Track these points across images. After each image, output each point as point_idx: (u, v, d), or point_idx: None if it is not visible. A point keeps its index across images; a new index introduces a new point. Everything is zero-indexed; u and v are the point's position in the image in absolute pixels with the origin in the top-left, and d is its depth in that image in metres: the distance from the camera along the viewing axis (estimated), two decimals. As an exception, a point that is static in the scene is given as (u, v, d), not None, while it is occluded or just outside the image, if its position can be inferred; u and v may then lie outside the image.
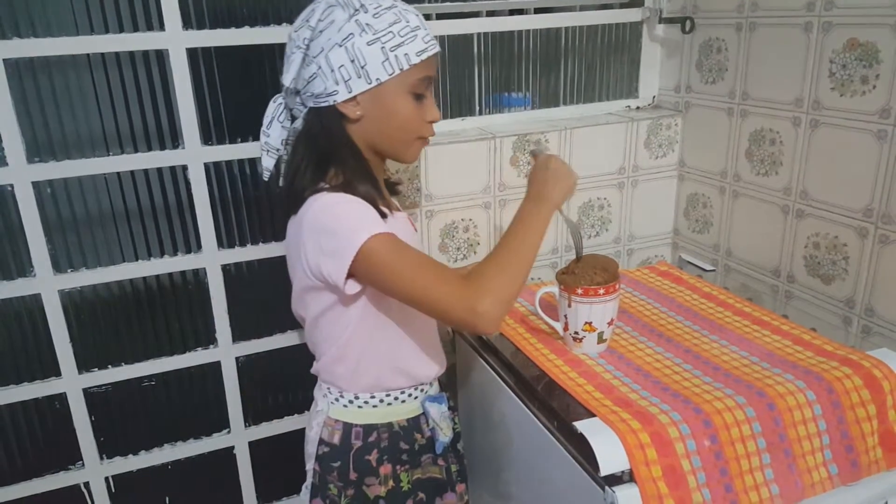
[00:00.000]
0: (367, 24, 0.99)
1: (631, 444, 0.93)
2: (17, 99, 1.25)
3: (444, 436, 1.18)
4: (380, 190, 1.08)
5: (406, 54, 1.00)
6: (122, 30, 1.29)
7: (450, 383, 1.60)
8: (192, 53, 1.34)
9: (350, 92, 1.00)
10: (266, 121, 1.09)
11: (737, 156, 1.50)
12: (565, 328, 1.19)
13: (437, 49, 1.04)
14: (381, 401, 1.14)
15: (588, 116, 1.65)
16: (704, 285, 1.42)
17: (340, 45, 0.99)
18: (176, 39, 1.31)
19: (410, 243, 1.11)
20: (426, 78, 1.03)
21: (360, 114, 1.03)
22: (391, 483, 1.14)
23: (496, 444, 1.30)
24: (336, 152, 1.05)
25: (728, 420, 0.98)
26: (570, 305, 1.15)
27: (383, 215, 1.02)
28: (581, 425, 0.98)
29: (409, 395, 1.15)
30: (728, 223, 1.55)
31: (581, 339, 1.17)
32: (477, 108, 1.60)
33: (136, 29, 1.29)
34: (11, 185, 1.28)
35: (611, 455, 0.93)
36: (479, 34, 1.54)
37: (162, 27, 1.30)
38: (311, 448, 1.17)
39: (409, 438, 1.17)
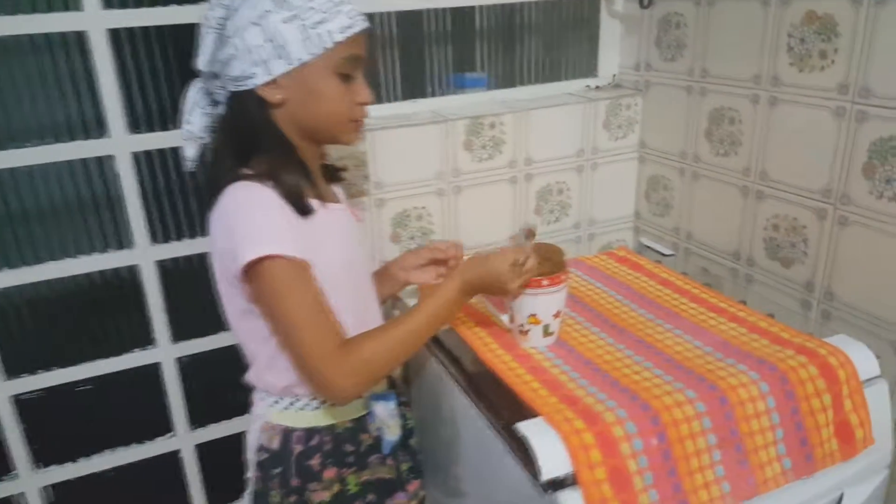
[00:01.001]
0: (285, 2, 0.93)
1: (574, 446, 0.90)
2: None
3: (392, 435, 1.15)
4: (311, 179, 1.04)
5: (329, 31, 0.94)
6: (34, 10, 1.22)
7: (402, 375, 1.57)
8: (115, 34, 1.28)
9: (269, 74, 0.95)
10: (186, 108, 1.04)
11: (696, 136, 1.47)
12: (511, 321, 1.16)
13: (365, 25, 0.98)
14: (322, 402, 1.10)
15: (546, 97, 1.60)
16: (662, 271, 1.40)
17: (256, 24, 0.94)
18: (96, 19, 1.24)
19: (348, 238, 1.08)
20: (353, 57, 0.97)
21: (283, 97, 0.98)
22: (337, 487, 1.10)
23: (447, 441, 1.27)
24: (258, 140, 1.00)
25: (677, 416, 0.96)
26: (514, 297, 1.12)
27: (307, 211, 0.97)
28: (523, 427, 0.95)
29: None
30: (688, 206, 1.53)
31: (527, 332, 1.14)
32: (429, 89, 1.55)
33: (50, 9, 1.23)
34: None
35: (553, 458, 0.90)
36: (430, 10, 1.49)
37: (79, 6, 1.23)
38: (250, 455, 1.13)
39: (355, 440, 1.13)
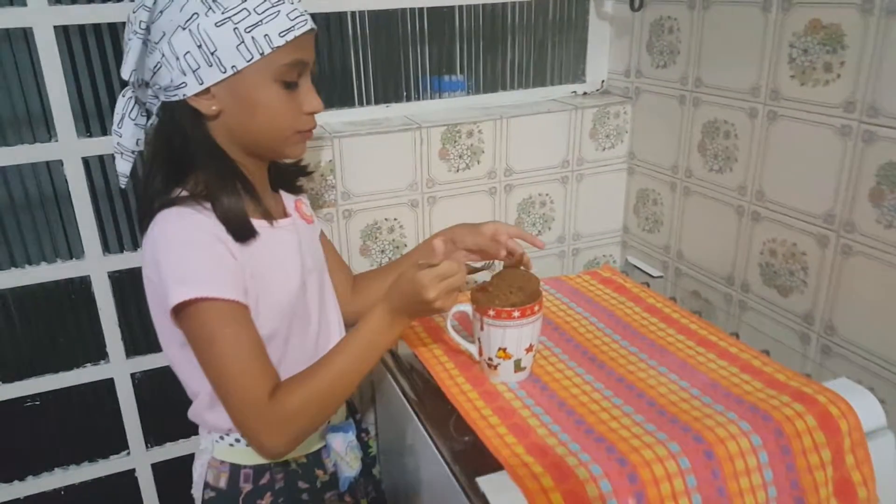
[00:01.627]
0: (215, 1, 0.80)
1: (539, 509, 0.78)
2: None
3: (351, 469, 1.03)
4: (256, 196, 0.91)
5: (266, 35, 0.82)
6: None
7: (371, 395, 1.44)
8: (63, 32, 1.15)
9: (201, 83, 0.83)
10: (116, 119, 0.91)
11: (689, 149, 1.33)
12: (480, 353, 1.03)
13: (308, 27, 0.86)
14: None
15: (529, 104, 1.47)
16: (649, 295, 1.26)
17: (184, 28, 0.81)
18: (41, 15, 1.11)
19: (298, 256, 0.95)
20: (296, 62, 0.85)
21: (217, 108, 0.85)
22: None
23: (409, 477, 1.14)
24: (193, 155, 0.87)
25: (658, 473, 0.83)
26: (482, 328, 0.99)
27: (247, 237, 0.86)
28: (484, 482, 0.82)
29: None
30: (679, 223, 1.39)
31: (496, 367, 1.01)
32: (405, 93, 1.41)
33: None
34: None
35: (515, 521, 0.78)
36: (408, 9, 1.35)
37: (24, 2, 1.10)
38: (196, 492, 1.00)
39: (310, 476, 1.01)
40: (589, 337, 1.14)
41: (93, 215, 1.25)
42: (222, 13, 0.81)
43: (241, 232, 0.86)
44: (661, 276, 1.38)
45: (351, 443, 1.04)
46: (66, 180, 1.22)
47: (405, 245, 1.38)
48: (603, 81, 1.54)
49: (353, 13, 1.31)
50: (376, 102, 1.39)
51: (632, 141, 1.49)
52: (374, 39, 1.34)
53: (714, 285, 1.32)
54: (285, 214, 0.99)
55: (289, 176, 1.05)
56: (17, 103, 1.22)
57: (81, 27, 1.20)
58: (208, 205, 0.85)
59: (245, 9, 0.81)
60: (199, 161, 0.86)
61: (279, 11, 0.83)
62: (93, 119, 1.25)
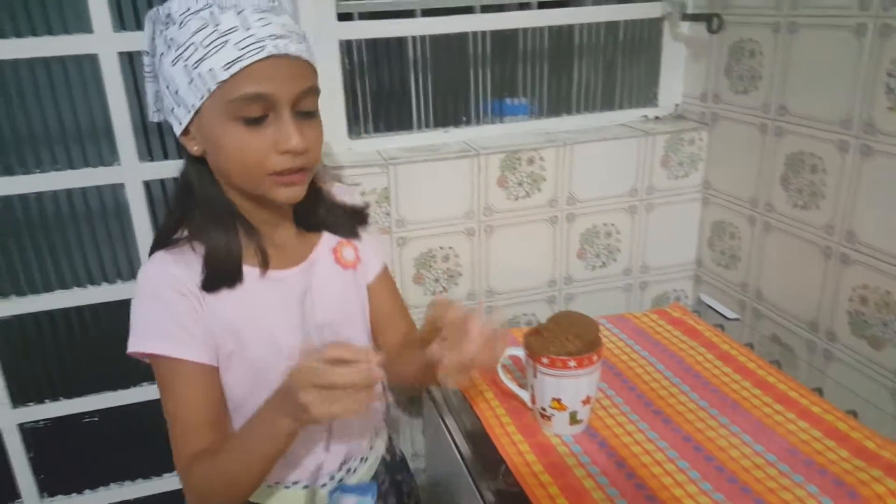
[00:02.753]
0: (171, 39, 0.76)
1: (588, 591, 0.70)
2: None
3: None
4: (257, 239, 0.85)
5: (210, 70, 0.73)
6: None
7: (421, 434, 1.38)
8: (127, 58, 1.15)
9: (180, 124, 0.79)
10: None
11: (770, 182, 1.22)
12: (533, 400, 0.95)
13: (260, 55, 0.73)
14: (277, 484, 0.91)
15: (595, 128, 1.38)
16: (723, 341, 1.16)
17: (161, 69, 0.78)
18: (106, 43, 1.11)
19: (288, 313, 0.87)
20: (250, 96, 0.74)
21: (199, 149, 0.80)
22: None
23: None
24: (183, 196, 0.84)
25: (725, 554, 0.74)
26: (535, 376, 0.92)
27: (223, 283, 0.82)
28: (530, 552, 0.75)
29: (295, 482, 0.92)
30: (758, 260, 1.27)
31: (550, 418, 0.93)
32: (464, 118, 1.35)
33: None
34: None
35: None
36: (470, 33, 1.29)
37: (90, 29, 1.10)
38: None
39: None
40: (654, 386, 1.04)
41: (152, 235, 1.24)
42: (175, 50, 0.75)
43: (217, 277, 0.82)
44: (737, 319, 1.27)
45: None
46: (127, 202, 1.22)
47: (460, 274, 1.32)
48: (677, 105, 1.43)
49: (413, 38, 1.26)
50: (435, 126, 1.33)
51: (707, 169, 1.38)
52: (434, 62, 1.29)
53: (796, 330, 1.20)
54: (301, 260, 0.90)
55: (336, 217, 0.95)
56: (83, 127, 1.23)
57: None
58: (197, 245, 0.82)
59: (192, 43, 0.74)
60: (197, 198, 0.83)
61: (226, 41, 0.73)
62: (154, 142, 1.25)
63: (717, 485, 0.83)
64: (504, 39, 1.31)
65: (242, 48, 0.73)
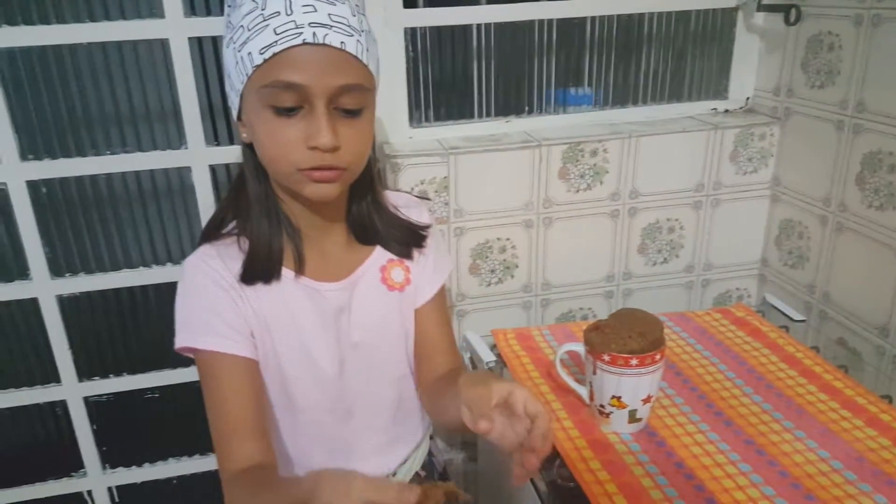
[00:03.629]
0: (230, 21, 0.76)
1: (646, 589, 0.71)
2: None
3: None
4: (296, 240, 0.85)
5: (249, 53, 0.72)
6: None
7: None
8: (196, 43, 1.19)
9: (234, 109, 0.79)
10: None
11: (845, 180, 1.19)
12: (591, 397, 0.97)
13: (295, 42, 0.70)
14: None
15: (662, 121, 1.37)
16: (788, 343, 1.14)
17: (221, 52, 0.80)
18: (177, 28, 1.15)
19: (315, 325, 0.87)
20: (279, 84, 0.72)
21: (246, 137, 0.80)
22: None
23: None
24: (236, 186, 0.86)
25: (788, 562, 0.74)
26: (595, 372, 0.93)
27: (254, 278, 0.82)
28: (587, 548, 0.76)
29: None
30: (828, 261, 1.25)
31: (608, 415, 0.94)
32: (527, 107, 1.36)
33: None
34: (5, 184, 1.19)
35: None
36: (536, 21, 1.30)
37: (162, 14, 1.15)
38: None
39: None
40: (716, 387, 1.04)
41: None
42: (230, 32, 0.75)
43: (255, 271, 0.82)
44: (803, 321, 1.25)
45: None
46: (193, 185, 1.27)
47: (516, 266, 1.34)
48: (748, 99, 1.41)
49: (477, 25, 1.27)
50: (496, 115, 1.35)
51: (778, 166, 1.36)
52: (498, 51, 1.30)
53: (865, 335, 1.18)
54: (345, 275, 0.89)
55: (393, 233, 0.92)
56: (151, 110, 1.28)
57: (214, 38, 1.24)
58: (247, 243, 0.83)
59: (241, 26, 0.73)
60: (248, 192, 0.83)
61: (268, 25, 0.71)
62: (221, 126, 1.29)
63: (780, 490, 0.83)
64: (570, 28, 1.31)
65: (279, 33, 0.70)
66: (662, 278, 1.41)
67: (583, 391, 0.99)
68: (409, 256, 0.93)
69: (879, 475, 0.85)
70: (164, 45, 1.18)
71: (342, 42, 0.72)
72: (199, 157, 1.25)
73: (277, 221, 0.83)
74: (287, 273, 0.85)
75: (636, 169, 1.31)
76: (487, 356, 1.17)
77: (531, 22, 1.29)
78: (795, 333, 1.21)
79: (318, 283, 0.87)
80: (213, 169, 1.27)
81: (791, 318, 1.25)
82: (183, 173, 1.29)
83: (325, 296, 0.87)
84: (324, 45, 0.71)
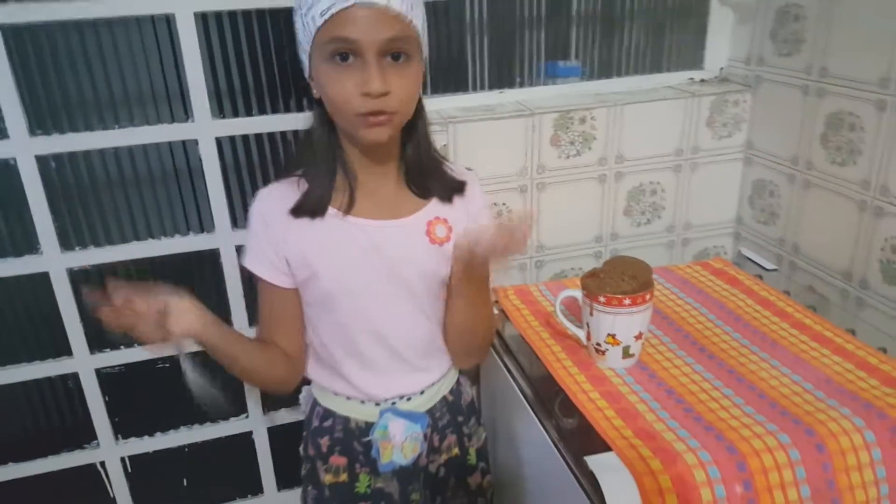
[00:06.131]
0: None
1: (648, 490, 0.85)
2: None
3: (404, 458, 1.09)
4: (349, 184, 1.02)
5: (313, 17, 0.90)
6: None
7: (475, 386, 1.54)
8: (202, 18, 1.28)
9: (306, 69, 0.97)
10: None
11: (811, 141, 1.35)
12: (588, 337, 1.11)
13: (348, 3, 0.86)
14: (336, 394, 1.12)
15: (644, 90, 1.52)
16: (762, 289, 1.30)
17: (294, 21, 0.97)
18: (183, 2, 1.25)
19: (359, 259, 1.02)
20: (337, 39, 0.88)
21: (316, 92, 0.98)
22: (344, 477, 1.11)
23: (516, 460, 1.24)
24: (305, 136, 1.05)
25: (767, 463, 0.89)
26: (591, 314, 1.07)
27: (306, 213, 1.01)
28: (593, 461, 0.90)
29: (362, 402, 1.10)
30: (797, 216, 1.41)
31: (604, 352, 1.09)
32: (518, 79, 1.49)
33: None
34: (14, 159, 1.27)
35: (624, 500, 0.86)
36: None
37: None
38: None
39: (366, 443, 1.11)
40: (699, 328, 1.19)
41: (223, 192, 1.39)
42: (297, 4, 0.93)
43: (302, 206, 1.01)
44: (775, 269, 1.41)
45: (413, 435, 1.09)
46: (200, 158, 1.37)
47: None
48: (722, 69, 1.56)
49: (471, 1, 1.39)
50: (490, 88, 1.47)
51: (750, 130, 1.51)
52: (490, 25, 1.42)
53: (831, 281, 1.34)
54: (394, 217, 1.03)
55: (443, 184, 1.07)
56: (157, 84, 1.36)
57: (218, 14, 1.33)
58: (305, 184, 1.02)
59: None
60: (313, 140, 1.02)
61: None
62: (226, 101, 1.39)
63: (759, 408, 0.98)
64: (558, 3, 1.44)
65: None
66: (646, 238, 1.56)
67: (580, 333, 1.13)
68: (449, 200, 1.07)
69: (844, 392, 1.01)
70: (169, 19, 1.27)
71: (387, 2, 0.87)
72: (206, 130, 1.34)
73: (336, 165, 1.01)
74: (335, 212, 1.02)
75: (622, 135, 1.45)
76: (490, 310, 1.30)
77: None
78: (768, 282, 1.36)
79: (364, 220, 1.02)
80: (219, 141, 1.36)
81: (764, 268, 1.41)
82: (189, 146, 1.39)
83: (369, 231, 1.02)
84: (372, 4, 0.87)
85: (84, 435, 1.51)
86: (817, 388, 1.02)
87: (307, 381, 1.18)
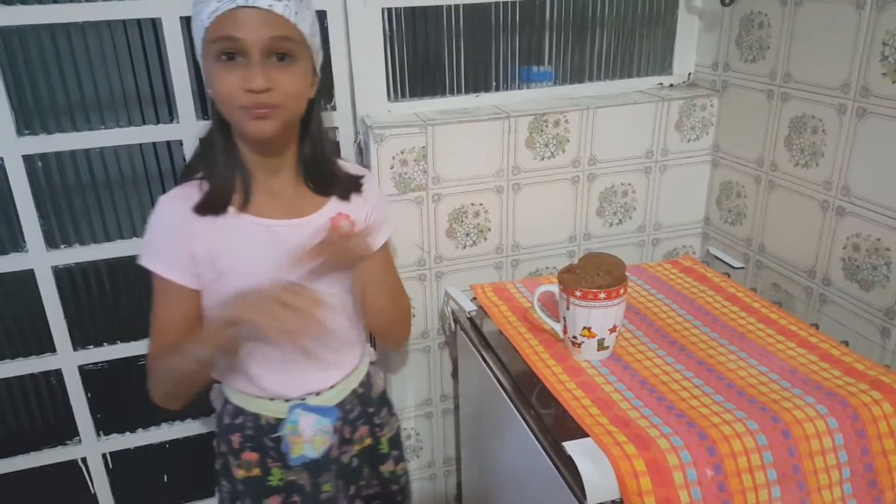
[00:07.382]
0: (194, 3, 0.96)
1: (623, 472, 0.86)
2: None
3: (315, 451, 1.10)
4: (244, 183, 1.04)
5: (202, 20, 0.94)
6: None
7: (451, 377, 1.54)
8: (188, 23, 1.27)
9: (204, 70, 1.00)
10: None
11: (775, 143, 1.37)
12: (564, 331, 1.11)
13: (233, 5, 0.90)
14: (244, 392, 1.11)
15: (616, 94, 1.53)
16: (730, 285, 1.32)
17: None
18: (169, 7, 1.24)
19: (259, 257, 1.04)
20: (221, 38, 0.92)
21: (210, 91, 1.00)
22: (256, 471, 1.12)
23: (493, 451, 1.24)
24: (204, 139, 1.08)
25: (736, 448, 0.90)
26: (568, 308, 1.07)
27: (204, 211, 1.01)
28: (571, 446, 0.91)
29: (271, 399, 1.10)
30: (762, 216, 1.44)
31: (580, 345, 1.09)
32: (494, 83, 1.50)
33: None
34: (1, 159, 1.25)
35: (600, 483, 0.87)
36: (500, 2, 1.43)
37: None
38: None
39: (276, 438, 1.12)
40: (670, 322, 1.21)
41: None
42: (193, 10, 0.96)
43: (204, 204, 1.02)
44: (742, 268, 1.43)
45: (323, 429, 1.10)
46: (184, 158, 1.36)
47: (489, 229, 1.48)
48: (690, 74, 1.59)
49: (447, 6, 1.40)
50: (466, 92, 1.48)
51: (717, 133, 1.53)
52: (466, 31, 1.43)
53: (795, 278, 1.37)
54: (296, 216, 1.06)
55: (338, 181, 1.11)
56: (143, 86, 1.36)
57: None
58: (207, 185, 1.04)
59: (198, 1, 0.94)
60: (212, 141, 1.04)
61: None
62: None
63: (728, 397, 1.00)
64: (531, 8, 1.45)
65: (220, 1, 0.91)
66: (618, 238, 1.58)
67: (557, 327, 1.14)
68: (347, 198, 1.11)
69: (809, 382, 1.02)
70: (155, 23, 1.27)
71: (270, 5, 0.92)
72: (191, 132, 1.34)
73: (233, 165, 1.02)
74: (235, 210, 1.03)
75: (594, 138, 1.47)
76: (469, 307, 1.31)
77: (496, 4, 1.43)
78: (736, 279, 1.39)
79: (264, 219, 1.04)
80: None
81: (731, 266, 1.43)
82: (174, 147, 1.38)
83: (273, 230, 1.04)
84: (254, 7, 0.91)
85: (66, 431, 1.49)
86: (783, 378, 1.03)
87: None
